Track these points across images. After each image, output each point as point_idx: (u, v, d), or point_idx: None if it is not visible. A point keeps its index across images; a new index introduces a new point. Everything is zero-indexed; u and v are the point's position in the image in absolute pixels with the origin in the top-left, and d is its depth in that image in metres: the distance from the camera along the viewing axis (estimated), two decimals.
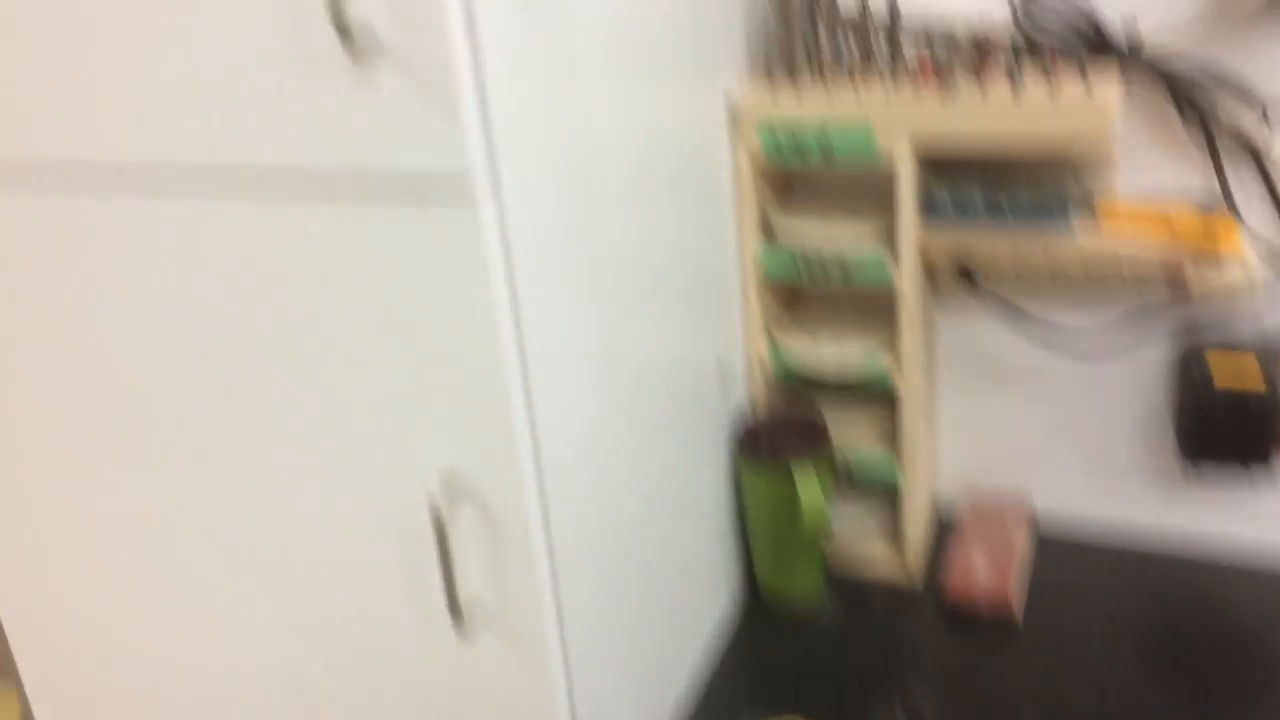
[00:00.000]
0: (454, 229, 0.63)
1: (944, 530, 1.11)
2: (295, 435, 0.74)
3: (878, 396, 1.10)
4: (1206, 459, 0.93)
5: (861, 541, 1.07)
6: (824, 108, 0.92)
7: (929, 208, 0.95)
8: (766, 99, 0.94)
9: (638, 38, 0.78)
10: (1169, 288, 0.99)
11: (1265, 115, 0.91)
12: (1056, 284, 1.02)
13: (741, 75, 0.98)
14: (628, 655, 0.83)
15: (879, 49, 0.95)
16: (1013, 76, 0.89)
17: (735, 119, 0.95)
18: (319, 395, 0.72)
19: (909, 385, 0.98)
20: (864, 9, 0.94)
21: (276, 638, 0.82)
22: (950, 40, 0.93)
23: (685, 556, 0.92)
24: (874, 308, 1.08)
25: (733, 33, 0.96)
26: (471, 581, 0.72)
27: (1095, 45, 0.92)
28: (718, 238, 0.95)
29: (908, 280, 0.95)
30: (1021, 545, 1.04)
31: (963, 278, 1.03)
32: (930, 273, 1.03)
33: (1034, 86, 0.87)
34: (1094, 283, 1.01)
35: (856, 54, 0.95)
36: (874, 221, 0.97)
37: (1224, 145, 0.93)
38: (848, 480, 1.13)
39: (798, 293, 1.11)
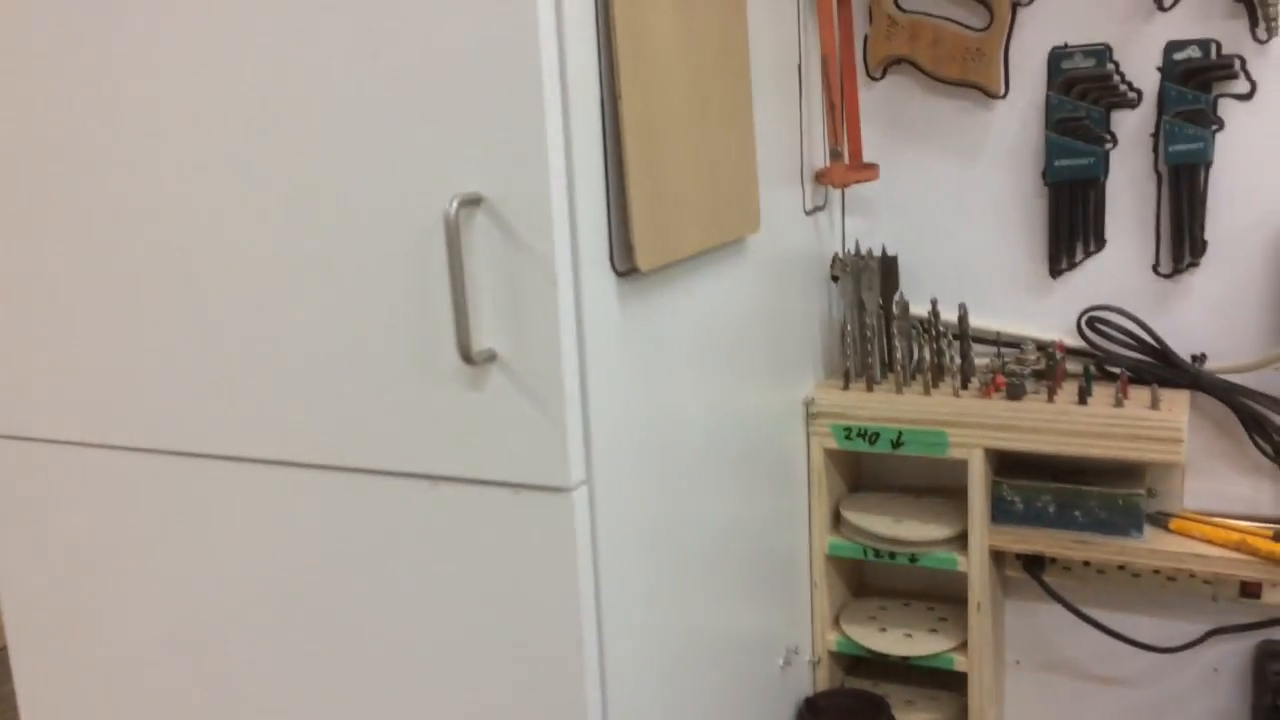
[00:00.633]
0: (545, 512, 0.66)
1: None
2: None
3: (944, 676, 1.09)
4: None
5: None
6: (897, 412, 0.96)
7: (1000, 510, 0.97)
8: (842, 400, 0.98)
9: (726, 345, 0.84)
10: (1243, 594, 0.99)
11: None
12: (1128, 583, 1.03)
13: (819, 378, 1.03)
14: None
15: (951, 359, 1.00)
16: (1083, 392, 0.93)
17: (812, 418, 1.00)
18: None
19: (977, 674, 0.98)
20: (934, 318, 1.00)
21: None
22: (1021, 355, 0.98)
23: None
24: (942, 588, 1.09)
25: (812, 339, 1.01)
26: None
27: (1162, 366, 0.96)
28: (790, 527, 0.98)
29: (977, 576, 0.96)
30: None
31: (1032, 574, 1.04)
32: (999, 562, 1.04)
33: (1103, 403, 0.91)
34: (1166, 582, 1.02)
35: (929, 361, 0.99)
36: (944, 521, 0.99)
37: None
38: None
39: (865, 567, 1.13)
